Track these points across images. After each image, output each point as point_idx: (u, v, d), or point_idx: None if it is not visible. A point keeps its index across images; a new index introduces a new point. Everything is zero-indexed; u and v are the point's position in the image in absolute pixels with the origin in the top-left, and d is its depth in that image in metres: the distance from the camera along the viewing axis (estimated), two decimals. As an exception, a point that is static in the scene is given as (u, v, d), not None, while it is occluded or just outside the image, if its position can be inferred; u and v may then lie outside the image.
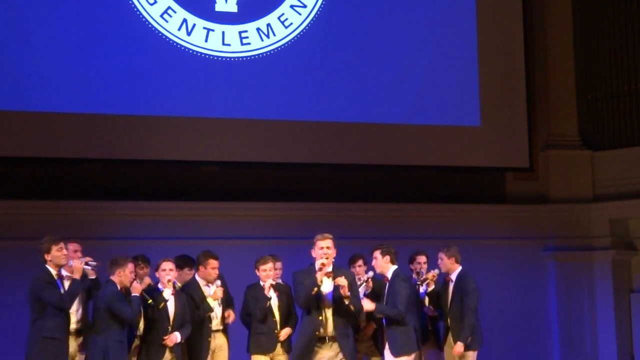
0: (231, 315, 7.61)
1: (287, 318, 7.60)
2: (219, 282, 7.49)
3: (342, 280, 6.73)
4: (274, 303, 7.52)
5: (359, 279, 7.45)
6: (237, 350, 7.75)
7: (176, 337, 7.16)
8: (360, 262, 7.84)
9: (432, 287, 7.66)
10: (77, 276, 6.79)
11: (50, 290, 6.65)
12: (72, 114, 9.16)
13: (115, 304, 6.85)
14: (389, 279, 7.20)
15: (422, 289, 7.68)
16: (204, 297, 7.45)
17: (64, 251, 6.81)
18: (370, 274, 7.52)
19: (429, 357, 7.73)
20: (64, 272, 6.86)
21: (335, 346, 6.78)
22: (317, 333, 6.76)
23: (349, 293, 6.74)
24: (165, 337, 7.11)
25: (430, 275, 7.65)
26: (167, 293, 7.18)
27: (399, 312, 7.04)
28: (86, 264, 7.04)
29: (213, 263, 7.51)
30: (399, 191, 10.47)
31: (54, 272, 6.73)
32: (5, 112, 8.99)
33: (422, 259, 7.93)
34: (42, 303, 6.64)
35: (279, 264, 7.93)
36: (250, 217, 9.86)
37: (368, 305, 7.13)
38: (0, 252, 9.06)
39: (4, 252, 9.04)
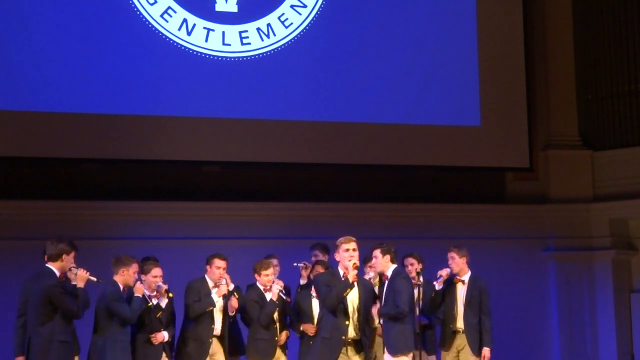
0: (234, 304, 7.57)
1: (283, 322, 7.62)
2: (224, 281, 7.48)
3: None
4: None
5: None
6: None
7: (163, 335, 7.17)
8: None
9: (441, 286, 7.69)
10: (81, 285, 6.71)
11: (68, 299, 6.58)
12: (72, 114, 9.16)
13: (114, 304, 6.83)
14: (388, 277, 7.20)
15: (438, 287, 7.69)
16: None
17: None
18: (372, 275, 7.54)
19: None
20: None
21: (358, 349, 6.71)
22: (343, 337, 6.62)
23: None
24: (153, 335, 7.10)
25: (444, 273, 7.68)
26: (164, 302, 7.19)
27: (400, 311, 7.04)
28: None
29: (217, 262, 7.51)
30: (399, 191, 10.46)
31: (57, 273, 6.70)
32: (5, 112, 8.99)
33: (409, 260, 7.92)
34: (54, 307, 6.56)
35: (275, 261, 7.94)
36: (250, 217, 9.86)
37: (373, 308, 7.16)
38: (0, 252, 9.06)
39: (4, 252, 9.04)
